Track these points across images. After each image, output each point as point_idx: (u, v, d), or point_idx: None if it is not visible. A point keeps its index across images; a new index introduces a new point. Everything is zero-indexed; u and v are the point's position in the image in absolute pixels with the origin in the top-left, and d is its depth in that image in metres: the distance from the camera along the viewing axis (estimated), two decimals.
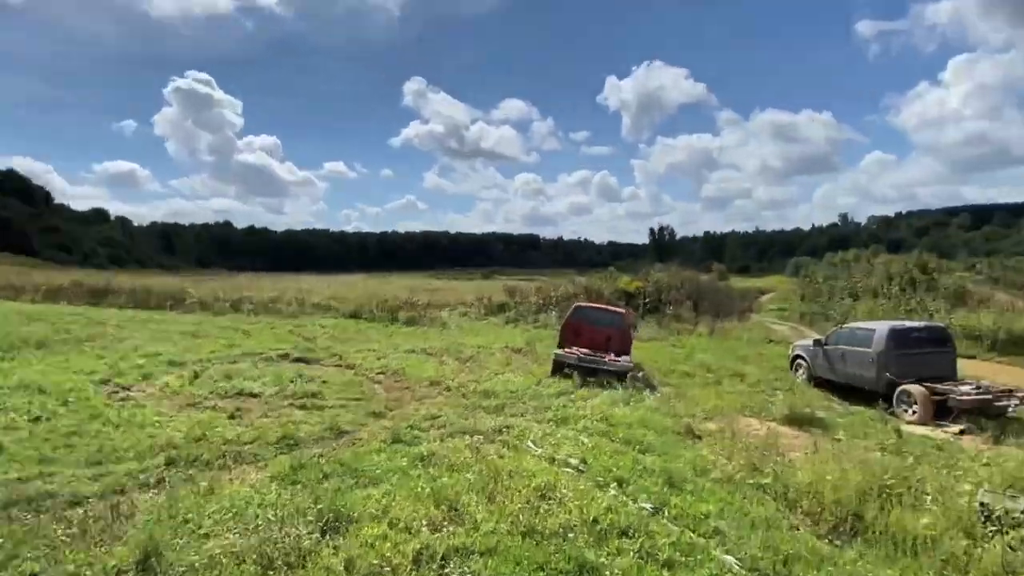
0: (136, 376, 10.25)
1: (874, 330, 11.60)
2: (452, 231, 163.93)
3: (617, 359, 12.12)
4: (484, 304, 28.23)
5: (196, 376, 10.55)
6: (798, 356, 13.78)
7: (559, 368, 11.65)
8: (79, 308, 20.07)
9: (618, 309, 15.13)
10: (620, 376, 11.32)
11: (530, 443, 7.29)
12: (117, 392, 9.23)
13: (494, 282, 58.57)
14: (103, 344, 13.03)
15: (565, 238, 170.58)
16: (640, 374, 12.67)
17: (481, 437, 7.54)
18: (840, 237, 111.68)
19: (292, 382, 10.24)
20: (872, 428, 9.38)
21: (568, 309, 14.47)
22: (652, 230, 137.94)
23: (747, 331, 23.62)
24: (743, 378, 13.44)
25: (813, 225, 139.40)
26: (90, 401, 8.43)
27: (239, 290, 28.50)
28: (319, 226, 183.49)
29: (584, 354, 12.04)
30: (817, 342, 13.05)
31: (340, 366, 12.50)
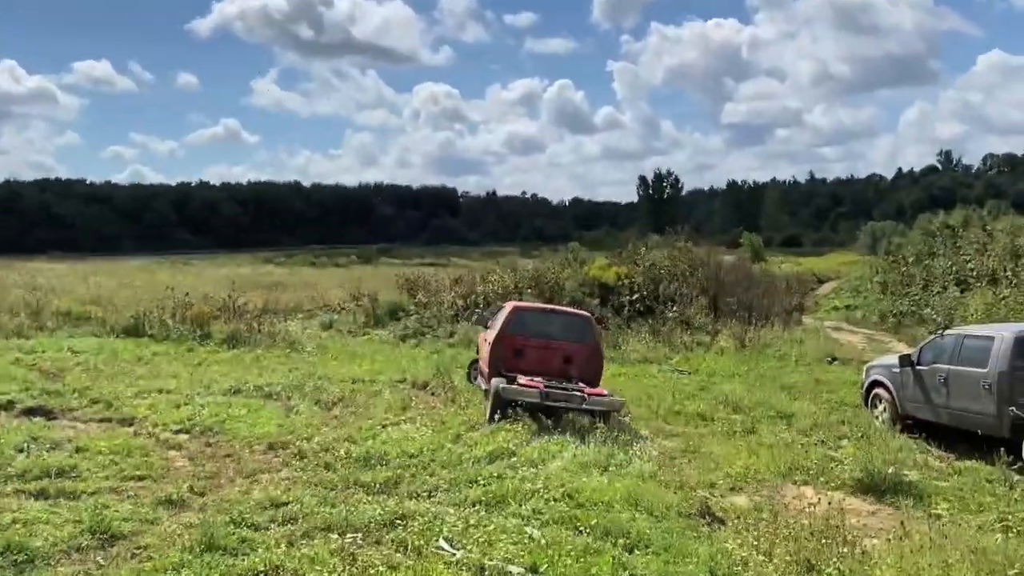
0: None
1: (992, 339, 12.07)
2: (306, 182, 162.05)
3: (602, 392, 12.67)
4: (364, 307, 28.23)
5: None
6: (876, 383, 14.51)
7: (501, 409, 12.14)
8: None
9: (579, 312, 15.83)
10: (604, 418, 11.97)
11: (443, 542, 7.35)
12: None
13: (382, 269, 58.30)
14: None
15: (500, 194, 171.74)
16: (627, 417, 13.04)
17: (359, 535, 7.54)
18: (941, 190, 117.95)
19: (22, 451, 10.22)
20: (990, 495, 9.86)
21: (500, 313, 14.99)
22: (644, 180, 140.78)
23: (796, 344, 24.69)
24: (790, 421, 14.04)
25: (900, 170, 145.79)
26: None
27: None
28: (66, 174, 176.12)
29: (551, 386, 12.50)
30: (905, 360, 13.74)
31: (109, 421, 12.61)
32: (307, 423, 12.33)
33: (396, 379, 16.54)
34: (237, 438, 11.50)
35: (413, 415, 12.93)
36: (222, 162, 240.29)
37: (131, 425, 12.31)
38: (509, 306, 15.03)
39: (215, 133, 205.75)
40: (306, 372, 16.97)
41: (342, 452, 10.52)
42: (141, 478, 9.54)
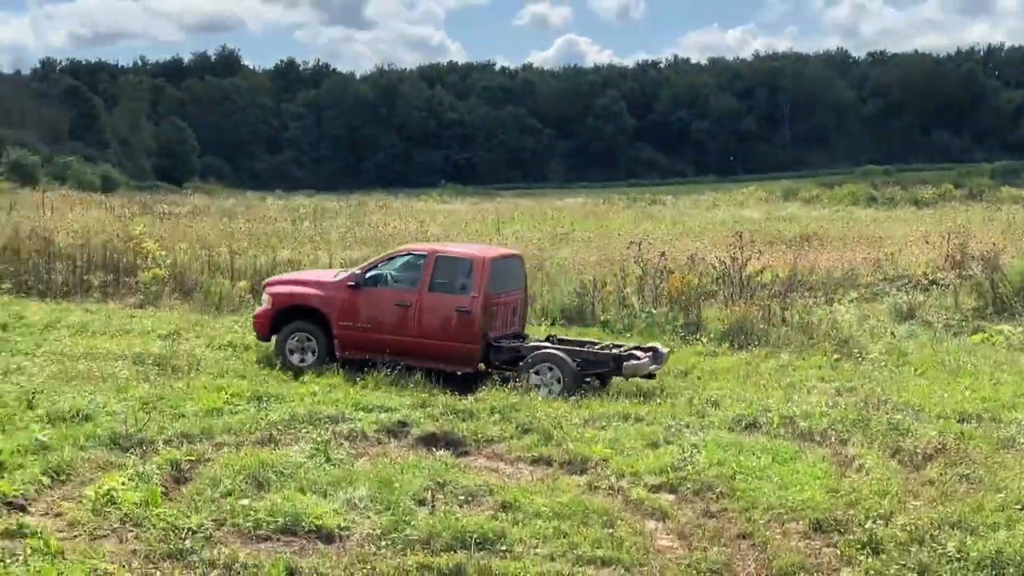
0: (35, 472, 11.74)
1: None
2: (855, 51, 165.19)
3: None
4: (974, 282, 27.44)
5: (179, 475, 12.20)
6: None
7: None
8: None
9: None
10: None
11: None
12: None
13: (1005, 209, 54.65)
14: None
15: None
16: None
17: None
18: None
19: (423, 504, 11.32)
20: None
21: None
22: None
23: None
24: None
25: None
26: None
27: None
28: (461, 55, 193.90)
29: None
30: None
31: (547, 463, 13.63)
32: (879, 489, 11.98)
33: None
34: (757, 507, 11.52)
35: None
36: (706, 23, 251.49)
37: (582, 472, 12.94)
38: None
39: None
40: (870, 397, 16.82)
41: (950, 547, 10.16)
42: (604, 562, 9.92)
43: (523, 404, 15.93)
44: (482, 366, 18.88)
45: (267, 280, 22.04)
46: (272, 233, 37.03)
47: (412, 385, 17.18)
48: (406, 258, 19.71)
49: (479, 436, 14.25)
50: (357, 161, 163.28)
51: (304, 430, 14.06)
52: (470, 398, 16.45)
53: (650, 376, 18.58)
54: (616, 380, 18.39)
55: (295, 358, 19.22)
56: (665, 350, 19.29)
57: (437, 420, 14.85)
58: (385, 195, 79.62)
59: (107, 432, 13.28)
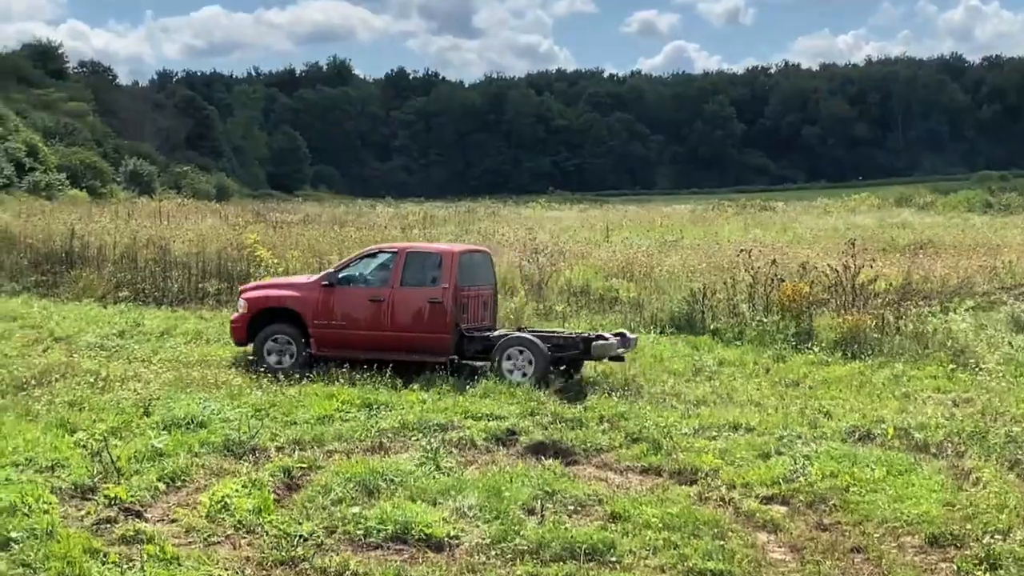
0: (151, 478, 11.92)
1: None
2: (970, 55, 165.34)
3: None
4: None
5: (291, 482, 12.47)
6: None
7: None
8: None
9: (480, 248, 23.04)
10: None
11: None
12: (113, 522, 10.73)
13: None
14: (67, 389, 16.65)
15: None
16: None
17: None
18: None
19: (532, 513, 11.37)
20: None
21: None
22: None
23: None
24: None
25: None
26: (56, 547, 9.55)
27: None
28: (568, 63, 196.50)
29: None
30: None
31: (657, 472, 13.52)
32: (997, 503, 11.64)
33: None
34: (871, 520, 11.34)
35: None
36: (817, 28, 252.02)
37: (692, 483, 12.83)
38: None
39: None
40: (988, 408, 16.45)
41: None
42: (714, 575, 9.90)
43: (632, 413, 15.88)
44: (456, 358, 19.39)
45: (242, 287, 22.86)
46: (382, 241, 37.29)
47: (520, 393, 17.12)
48: (377, 256, 20.55)
49: (588, 445, 14.22)
50: (466, 167, 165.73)
51: (414, 438, 14.22)
52: (579, 406, 16.40)
53: (619, 358, 19.42)
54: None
55: (272, 359, 19.62)
56: (633, 336, 20.29)
57: (546, 429, 14.90)
58: (493, 202, 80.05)
59: (221, 439, 13.63)
